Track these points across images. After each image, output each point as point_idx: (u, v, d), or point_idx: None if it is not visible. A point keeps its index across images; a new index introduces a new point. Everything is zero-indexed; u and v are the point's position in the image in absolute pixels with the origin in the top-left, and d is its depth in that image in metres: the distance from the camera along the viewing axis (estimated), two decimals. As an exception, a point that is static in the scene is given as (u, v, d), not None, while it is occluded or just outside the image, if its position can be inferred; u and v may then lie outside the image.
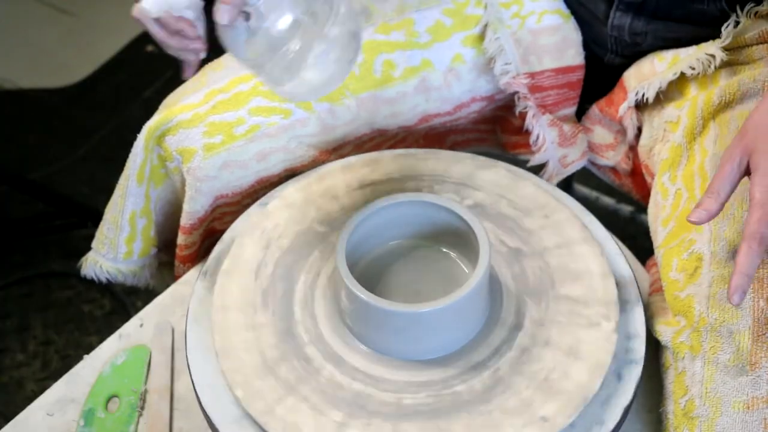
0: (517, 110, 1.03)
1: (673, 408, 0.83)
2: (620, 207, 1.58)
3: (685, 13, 0.96)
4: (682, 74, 0.96)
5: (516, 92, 1.02)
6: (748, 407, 0.78)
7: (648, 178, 1.01)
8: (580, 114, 1.09)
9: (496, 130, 1.13)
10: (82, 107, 1.96)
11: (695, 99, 0.94)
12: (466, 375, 0.83)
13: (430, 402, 0.82)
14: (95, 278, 1.10)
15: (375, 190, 0.98)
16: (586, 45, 1.03)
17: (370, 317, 0.84)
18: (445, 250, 0.93)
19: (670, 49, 0.98)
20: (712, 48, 0.93)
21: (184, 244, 1.06)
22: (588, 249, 0.91)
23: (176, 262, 1.09)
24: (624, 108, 1.00)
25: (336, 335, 0.87)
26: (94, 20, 2.15)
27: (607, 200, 1.58)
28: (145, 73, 1.97)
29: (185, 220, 1.03)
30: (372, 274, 0.91)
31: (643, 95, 0.98)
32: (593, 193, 1.58)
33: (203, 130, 0.99)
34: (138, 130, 1.02)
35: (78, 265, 1.11)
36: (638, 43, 1.00)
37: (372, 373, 0.84)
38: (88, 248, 1.10)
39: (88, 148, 1.87)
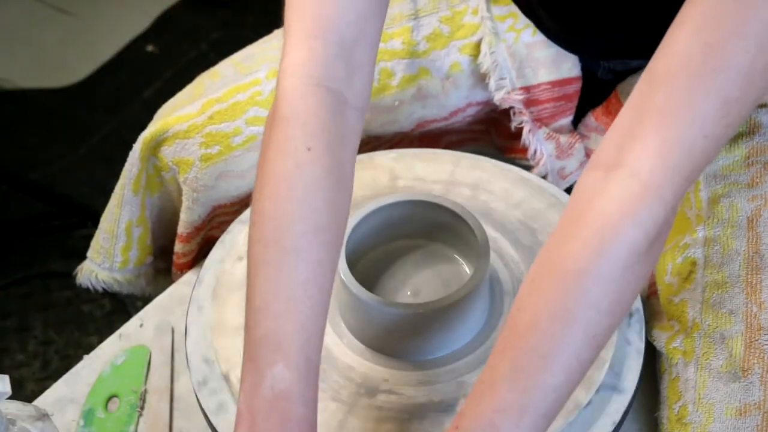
0: (513, 125, 1.02)
1: (667, 413, 0.83)
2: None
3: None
4: None
5: (512, 107, 1.02)
6: (741, 413, 0.78)
7: None
8: (576, 120, 1.08)
9: (490, 131, 1.13)
10: (82, 107, 1.95)
11: None
12: (467, 374, 0.83)
13: (432, 401, 0.82)
14: (91, 287, 1.10)
15: (373, 189, 0.98)
16: (581, 57, 1.02)
17: (370, 317, 0.84)
18: (445, 249, 0.93)
19: None
20: None
21: (181, 252, 1.05)
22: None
23: (173, 270, 1.08)
24: None
25: (336, 335, 0.87)
26: (94, 20, 2.15)
27: (607, 200, 1.57)
28: (145, 73, 1.97)
29: (182, 229, 1.03)
30: (372, 274, 0.91)
31: None
32: (593, 194, 1.57)
33: (200, 140, 0.98)
34: (138, 130, 1.02)
35: (74, 273, 1.11)
36: (627, 62, 1.00)
37: (372, 372, 0.84)
38: (88, 248, 1.10)
39: (88, 148, 1.87)
